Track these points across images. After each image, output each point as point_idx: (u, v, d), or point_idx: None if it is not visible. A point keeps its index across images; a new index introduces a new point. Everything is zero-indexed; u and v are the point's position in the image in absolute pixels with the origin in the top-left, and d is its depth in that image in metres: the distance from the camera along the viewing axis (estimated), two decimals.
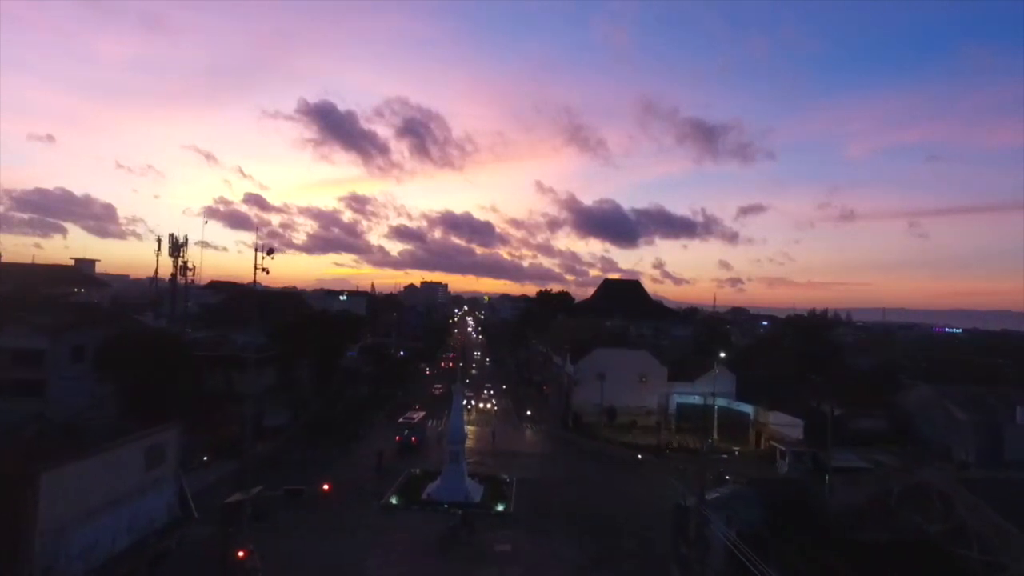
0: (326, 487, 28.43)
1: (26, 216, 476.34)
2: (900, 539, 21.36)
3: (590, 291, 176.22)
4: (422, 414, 57.29)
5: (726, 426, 58.14)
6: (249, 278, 39.82)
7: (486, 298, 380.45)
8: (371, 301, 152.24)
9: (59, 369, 45.03)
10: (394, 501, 36.99)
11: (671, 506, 31.00)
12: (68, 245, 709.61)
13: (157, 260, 65.64)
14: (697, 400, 61.33)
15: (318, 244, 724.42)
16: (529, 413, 69.26)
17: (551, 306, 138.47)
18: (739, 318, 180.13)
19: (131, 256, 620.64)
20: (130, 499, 21.32)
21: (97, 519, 19.56)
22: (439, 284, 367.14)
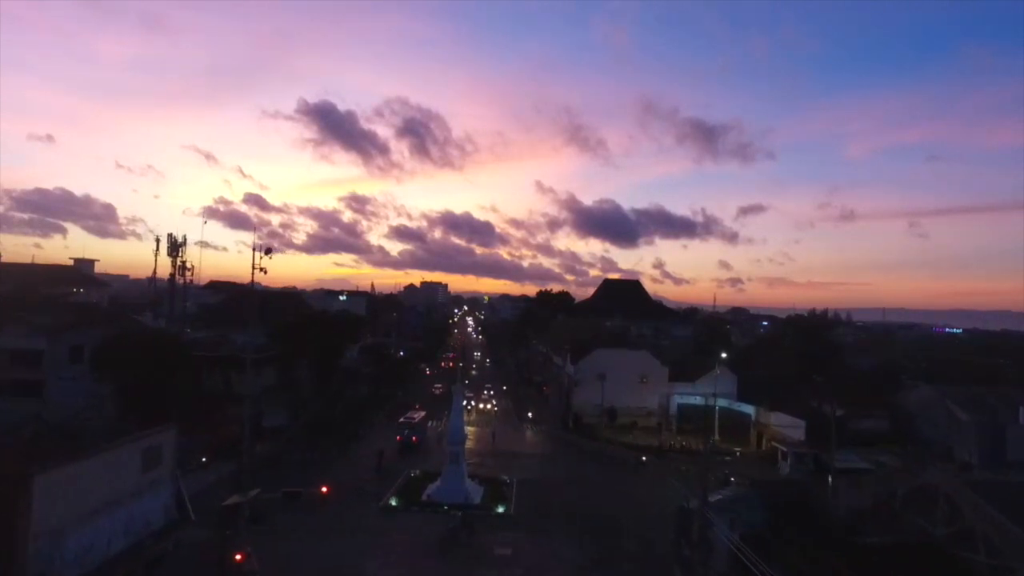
0: (325, 489, 28.17)
1: (26, 216, 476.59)
2: (905, 542, 21.16)
3: (590, 291, 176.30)
4: (422, 414, 57.12)
5: (727, 427, 57.91)
6: (249, 278, 39.53)
7: (486, 298, 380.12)
8: (371, 301, 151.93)
9: (57, 369, 44.84)
10: (394, 502, 36.77)
11: (672, 507, 30.81)
12: (68, 245, 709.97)
13: (156, 260, 65.60)
14: (698, 401, 61.08)
15: (318, 244, 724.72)
16: (529, 414, 69.02)
17: (551, 306, 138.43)
18: (739, 318, 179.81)
19: (131, 256, 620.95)
20: (126, 501, 21.05)
21: (93, 522, 19.29)
22: (439, 284, 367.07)
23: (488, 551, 30.04)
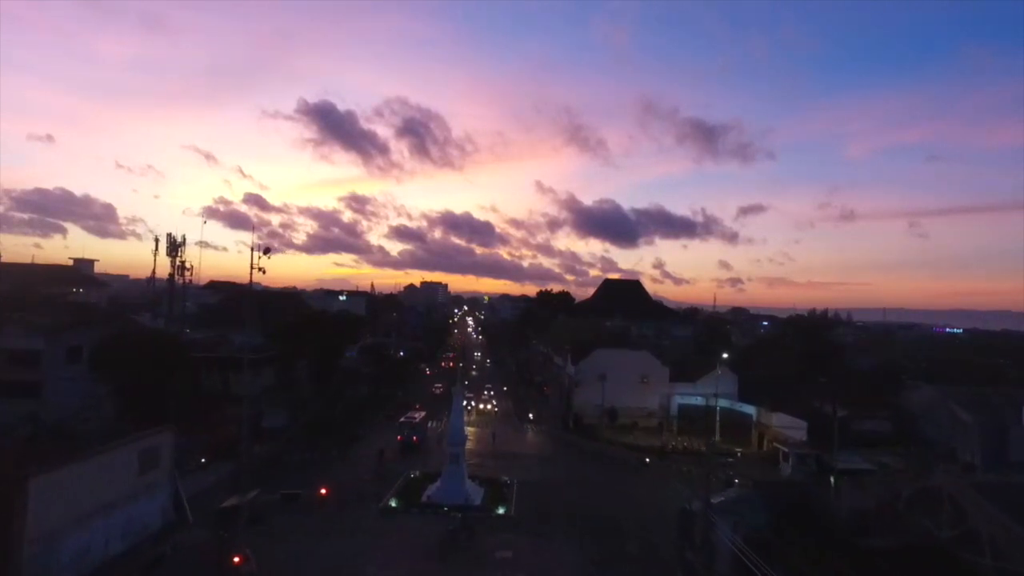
0: (323, 491, 27.94)
1: (26, 216, 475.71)
2: (909, 544, 20.93)
3: (590, 291, 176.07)
4: (423, 414, 57.02)
5: (728, 427, 57.68)
6: (249, 278, 39.33)
7: (486, 298, 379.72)
8: (371, 301, 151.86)
9: (55, 370, 44.60)
10: (393, 504, 36.54)
11: (674, 509, 30.59)
12: (68, 245, 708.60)
13: (155, 260, 65.31)
14: (699, 401, 60.88)
15: (318, 244, 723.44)
16: (530, 414, 68.83)
17: (551, 306, 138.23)
18: (739, 318, 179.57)
19: (131, 256, 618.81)
20: (124, 503, 20.83)
21: (89, 524, 19.08)
22: (439, 284, 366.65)
23: (489, 554, 29.80)
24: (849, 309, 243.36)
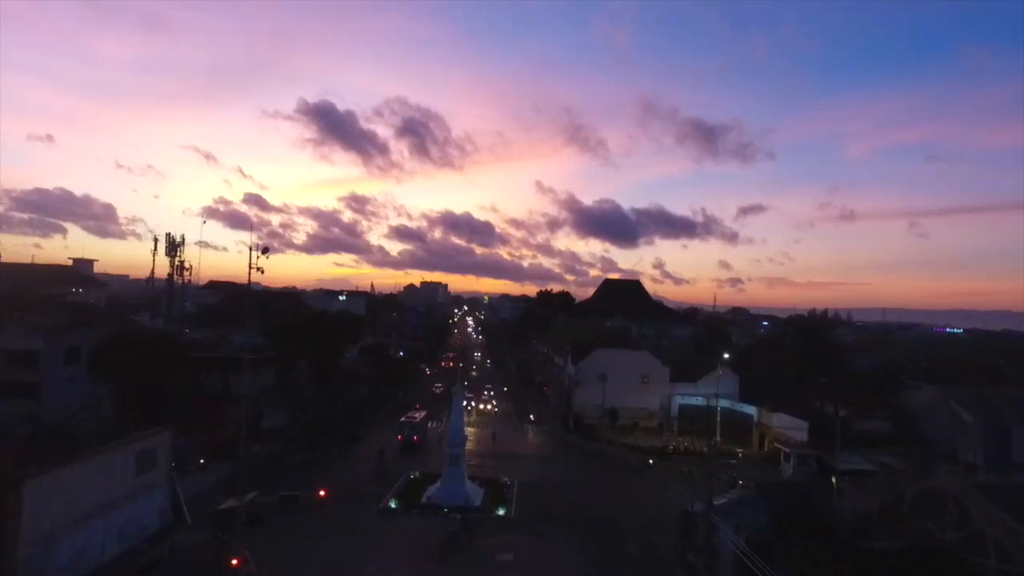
0: (322, 493, 27.75)
1: (26, 216, 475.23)
2: (913, 546, 20.76)
3: (590, 291, 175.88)
4: (423, 413, 57.04)
5: (729, 428, 57.49)
6: (249, 278, 39.13)
7: (486, 298, 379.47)
8: (371, 301, 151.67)
9: (54, 370, 44.43)
10: (393, 505, 36.37)
11: (675, 510, 30.41)
12: (68, 245, 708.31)
13: (153, 260, 65.16)
14: (700, 401, 60.71)
15: (318, 244, 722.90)
16: (530, 415, 68.66)
17: (551, 306, 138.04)
18: (739, 318, 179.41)
19: (131, 256, 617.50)
20: (121, 505, 20.66)
21: (86, 526, 18.91)
22: (439, 284, 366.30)
23: (489, 555, 29.64)
24: (849, 309, 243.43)
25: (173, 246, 60.63)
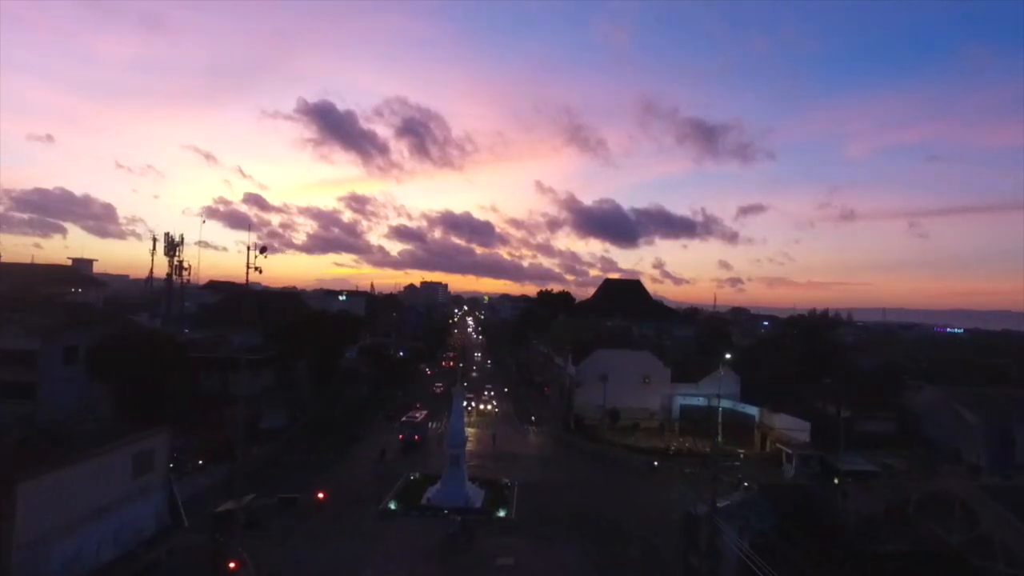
0: (321, 495, 27.46)
1: (26, 216, 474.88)
2: (919, 549, 20.47)
3: (590, 291, 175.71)
4: (424, 412, 56.95)
5: (731, 428, 57.22)
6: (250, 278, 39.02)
7: (486, 298, 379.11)
8: (370, 301, 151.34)
9: (51, 370, 44.12)
10: (393, 506, 36.14)
11: (677, 512, 30.17)
12: (68, 245, 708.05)
13: (152, 260, 64.68)
14: (701, 402, 60.46)
15: (318, 244, 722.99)
16: (531, 415, 68.39)
17: (552, 306, 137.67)
18: (740, 318, 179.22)
19: (131, 256, 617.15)
20: (116, 508, 20.41)
21: (80, 530, 18.65)
22: (439, 284, 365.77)
23: (489, 557, 29.38)
24: (849, 309, 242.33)
25: (172, 246, 60.25)
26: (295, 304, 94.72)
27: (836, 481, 36.88)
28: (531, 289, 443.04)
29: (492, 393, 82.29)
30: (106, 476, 20.05)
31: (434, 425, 58.70)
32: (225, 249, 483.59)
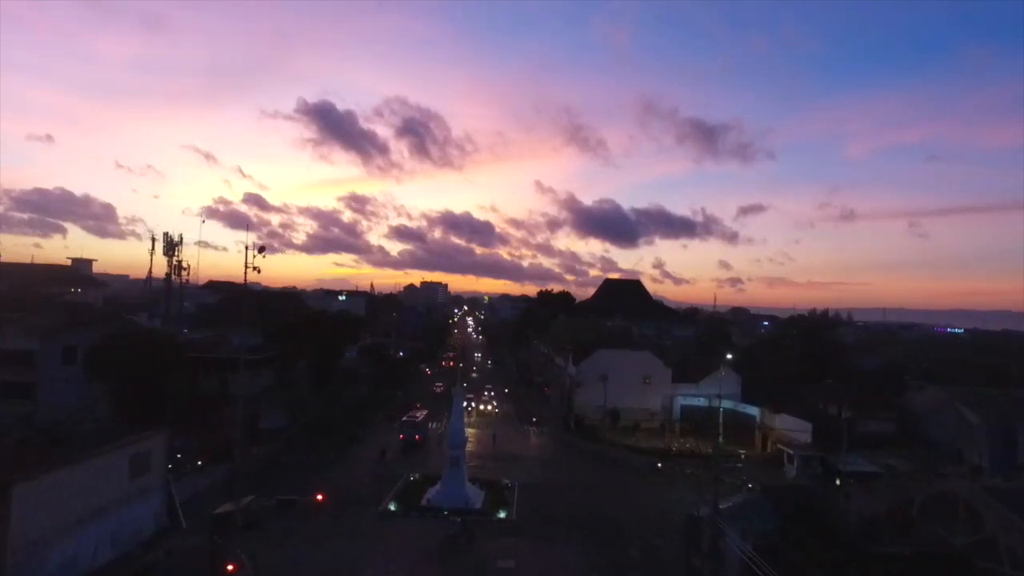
0: (320, 497, 27.28)
1: (25, 216, 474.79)
2: (923, 551, 20.31)
3: (590, 291, 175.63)
4: (425, 412, 56.98)
5: (732, 429, 57.08)
6: (249, 278, 38.77)
7: (486, 298, 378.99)
8: (370, 301, 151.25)
9: (50, 370, 43.97)
10: (393, 507, 35.98)
11: (678, 512, 30.01)
12: (68, 245, 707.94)
13: (151, 260, 64.55)
14: (702, 402, 60.30)
15: (318, 244, 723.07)
16: (531, 416, 68.23)
17: (552, 306, 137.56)
18: (740, 318, 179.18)
19: (130, 256, 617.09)
20: (114, 509, 20.26)
21: (77, 532, 18.50)
22: (439, 284, 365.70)
23: (489, 558, 29.22)
24: (849, 309, 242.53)
25: (171, 246, 60.13)
26: (295, 304, 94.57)
27: (838, 482, 36.78)
28: (531, 289, 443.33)
29: (492, 393, 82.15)
30: (103, 477, 19.89)
31: (434, 425, 58.55)
32: (225, 249, 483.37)
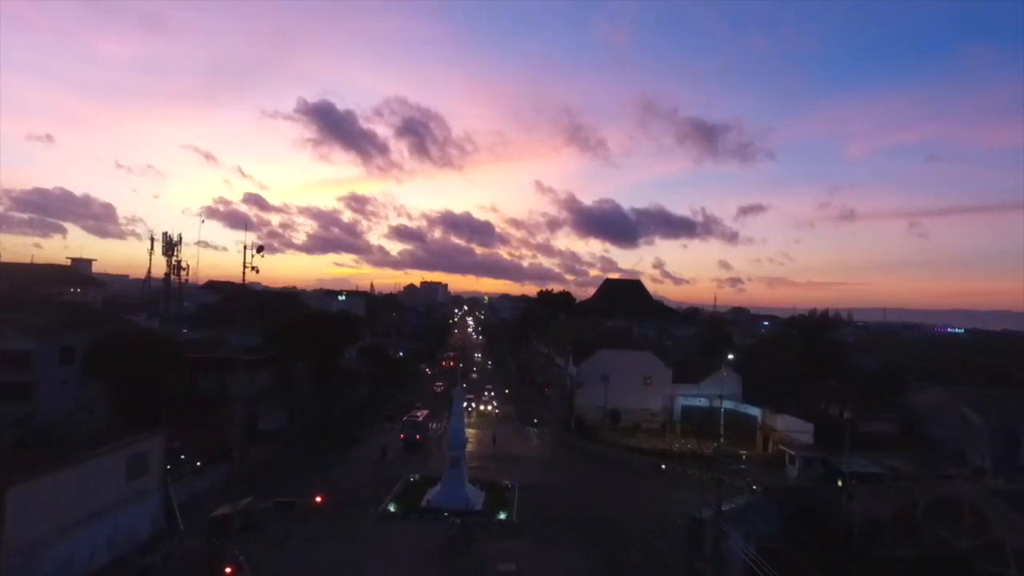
0: (319, 499, 27.07)
1: (25, 216, 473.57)
2: (928, 554, 20.11)
3: (590, 291, 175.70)
4: (426, 412, 56.75)
5: (733, 429, 56.90)
6: (248, 278, 38.67)
7: (486, 298, 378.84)
8: (370, 301, 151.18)
9: (48, 371, 43.78)
10: (392, 509, 35.77)
11: (680, 514, 29.79)
12: (68, 245, 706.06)
13: (150, 259, 64.46)
14: (702, 402, 60.11)
15: (318, 244, 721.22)
16: (532, 416, 68.02)
17: (552, 306, 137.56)
18: (740, 318, 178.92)
19: (130, 256, 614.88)
20: (110, 512, 20.10)
21: (73, 534, 18.33)
22: (439, 284, 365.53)
23: (490, 560, 29.00)
24: (849, 309, 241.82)
25: (170, 245, 59.98)
26: (295, 304, 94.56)
27: (840, 483, 36.54)
28: (531, 289, 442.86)
29: (492, 394, 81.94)
30: (100, 479, 19.71)
31: (434, 426, 58.36)
32: (225, 249, 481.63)
